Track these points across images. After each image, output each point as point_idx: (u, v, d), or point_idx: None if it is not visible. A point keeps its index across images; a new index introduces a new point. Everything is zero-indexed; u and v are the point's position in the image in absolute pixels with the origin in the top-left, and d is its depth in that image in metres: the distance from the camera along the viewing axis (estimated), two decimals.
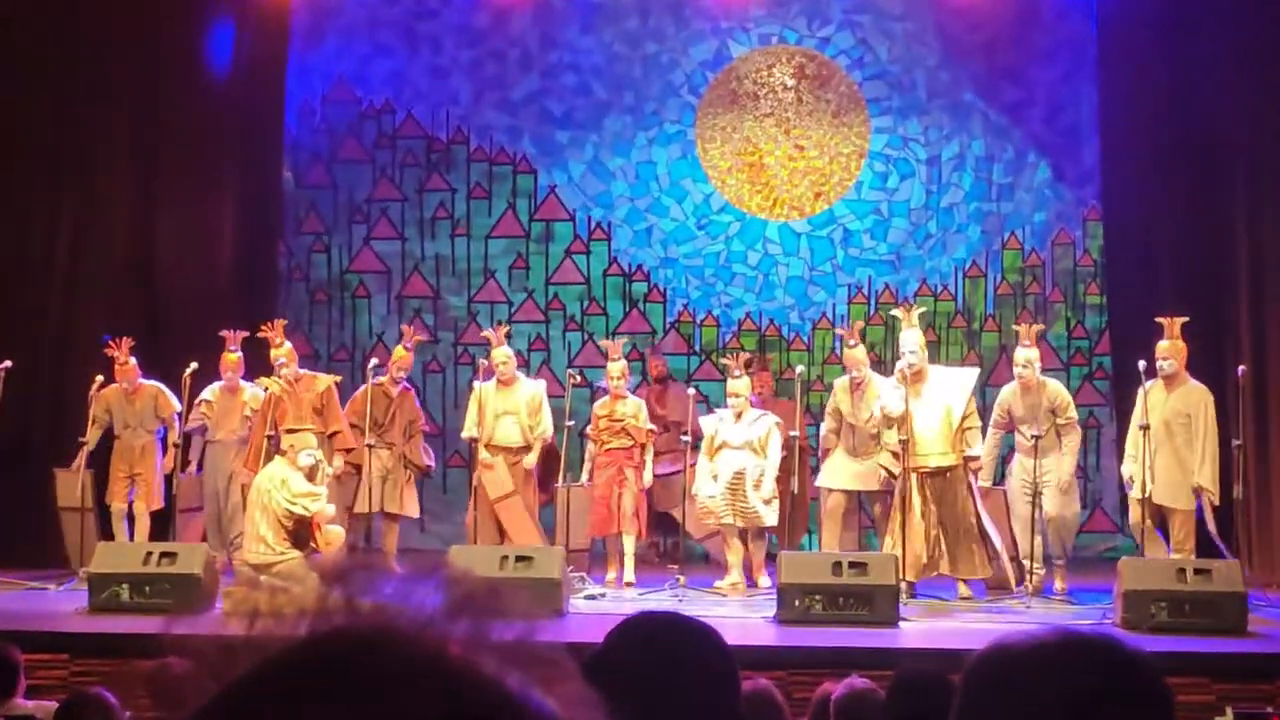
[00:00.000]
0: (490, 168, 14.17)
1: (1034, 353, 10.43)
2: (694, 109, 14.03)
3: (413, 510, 11.40)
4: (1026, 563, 10.14)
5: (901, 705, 4.42)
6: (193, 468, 11.56)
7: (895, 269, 13.82)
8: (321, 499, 10.21)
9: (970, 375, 10.69)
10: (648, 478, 10.96)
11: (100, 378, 11.33)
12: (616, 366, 11.04)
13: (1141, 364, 10.22)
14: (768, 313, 13.94)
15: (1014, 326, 11.34)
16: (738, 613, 9.71)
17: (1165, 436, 10.06)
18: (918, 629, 9.08)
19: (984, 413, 10.68)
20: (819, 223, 13.92)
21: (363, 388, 11.30)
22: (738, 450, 10.59)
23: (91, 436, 11.26)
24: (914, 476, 10.12)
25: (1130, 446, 10.37)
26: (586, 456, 11.34)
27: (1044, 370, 10.70)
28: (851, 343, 10.81)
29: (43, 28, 12.63)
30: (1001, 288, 13.74)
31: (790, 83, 13.97)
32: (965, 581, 10.20)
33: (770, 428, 10.67)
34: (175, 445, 11.18)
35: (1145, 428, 10.04)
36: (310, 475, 10.27)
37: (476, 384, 11.32)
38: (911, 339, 10.35)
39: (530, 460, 11.09)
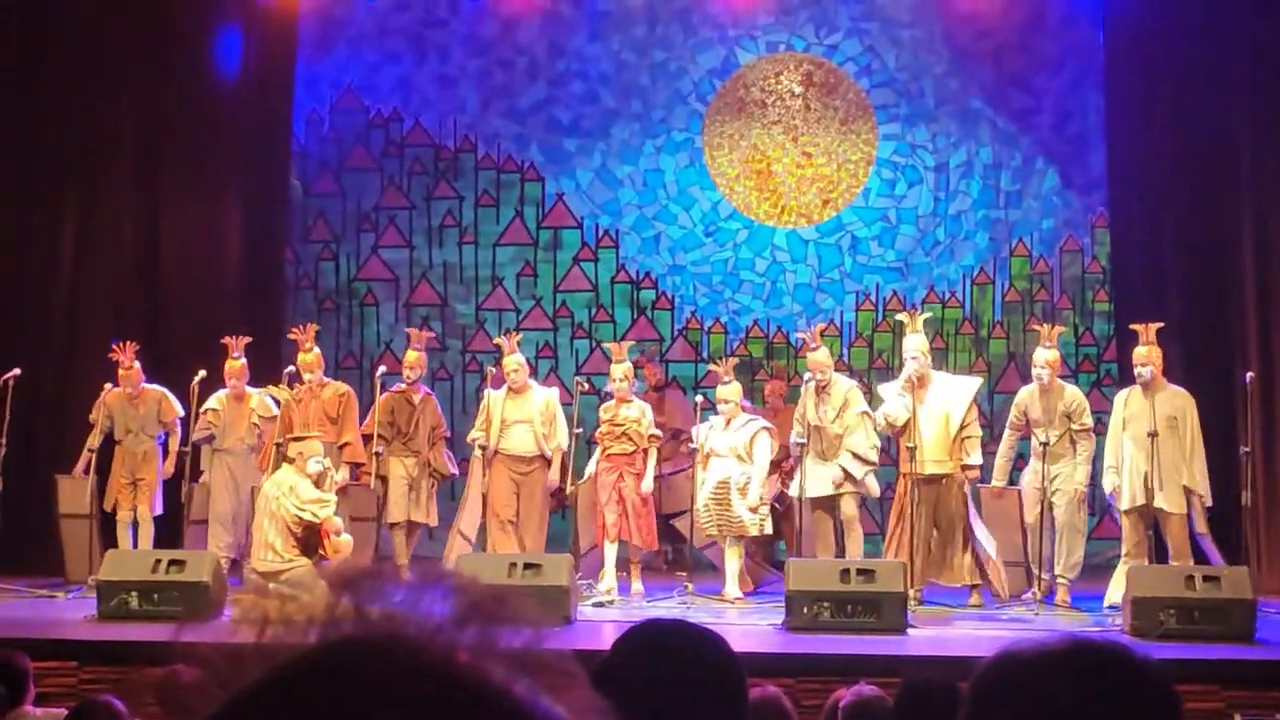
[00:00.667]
0: (498, 176, 14.19)
1: (1054, 354, 10.42)
2: (702, 117, 14.04)
3: (433, 519, 11.27)
4: (1035, 569, 10.12)
5: (910, 713, 4.42)
6: (205, 477, 11.36)
7: (903, 276, 13.82)
8: (330, 506, 10.19)
9: (972, 384, 10.63)
10: (647, 484, 10.78)
11: (109, 385, 11.32)
12: (619, 369, 10.89)
13: (1151, 370, 10.19)
14: (775, 320, 13.94)
15: (1034, 328, 11.30)
16: (746, 619, 9.69)
17: (1153, 441, 10.03)
18: (926, 636, 9.06)
19: (991, 421, 10.66)
20: (827, 230, 13.92)
21: (385, 396, 11.17)
22: (723, 458, 10.48)
23: (92, 441, 11.24)
24: (908, 483, 10.12)
25: (1110, 457, 10.28)
26: (591, 460, 11.27)
27: (1057, 378, 10.67)
28: (813, 345, 10.70)
29: (50, 35, 12.66)
30: (1010, 295, 13.74)
31: (798, 90, 13.98)
32: (976, 588, 10.18)
33: (756, 432, 10.53)
34: (183, 452, 11.07)
35: (1154, 434, 10.01)
36: (319, 482, 10.26)
37: (488, 392, 11.25)
38: (914, 344, 10.34)
39: (553, 477, 10.88)
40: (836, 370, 11.07)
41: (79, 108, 12.60)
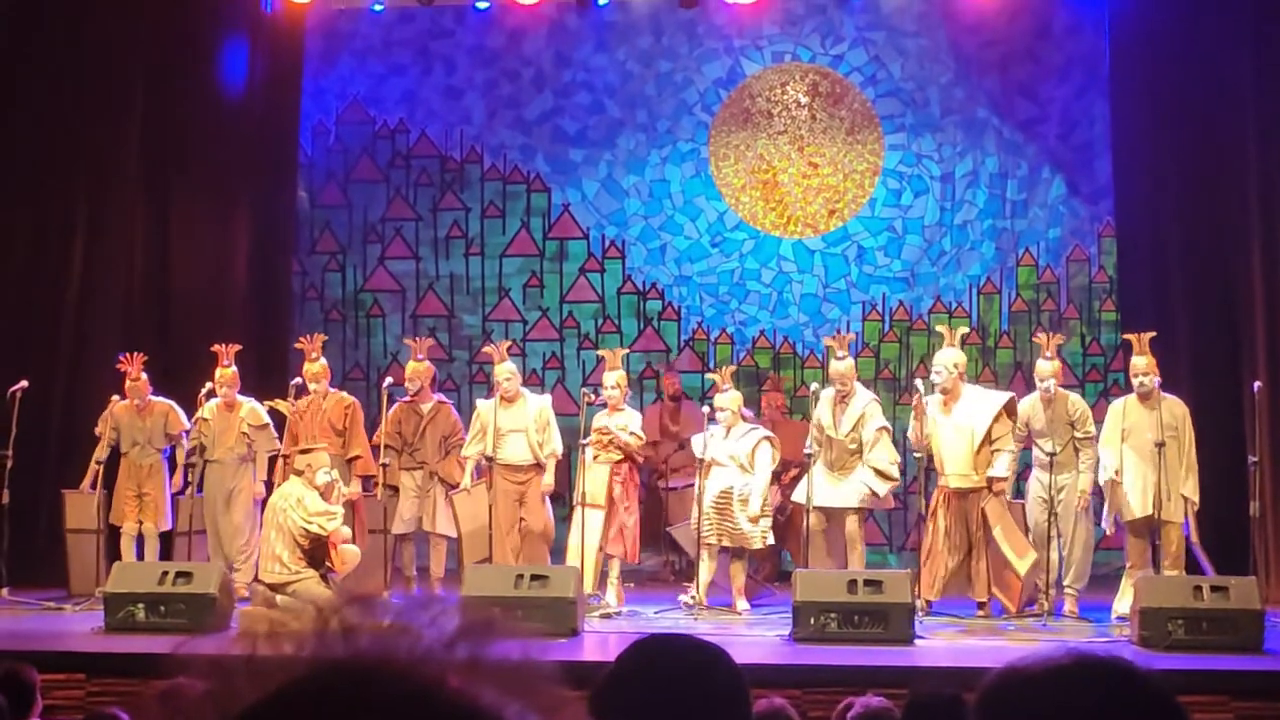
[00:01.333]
0: (504, 186, 14.20)
1: (1055, 364, 10.43)
2: (707, 127, 14.04)
3: (446, 528, 11.05)
4: (1040, 581, 10.10)
5: None
6: (192, 489, 11.11)
7: (909, 286, 13.80)
8: (338, 518, 10.19)
9: (1000, 398, 10.54)
10: (547, 480, 10.65)
11: (115, 397, 11.32)
12: (611, 376, 10.74)
13: (1153, 380, 10.18)
14: (782, 330, 13.94)
15: (1033, 339, 11.28)
16: (753, 630, 9.67)
17: (1160, 451, 9.99)
18: (933, 647, 9.05)
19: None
20: (833, 240, 13.92)
21: (394, 408, 11.13)
22: (724, 467, 10.41)
23: (99, 454, 11.19)
24: (940, 495, 10.15)
25: (1108, 470, 10.18)
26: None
27: (1059, 386, 10.66)
28: (840, 354, 10.65)
29: (57, 48, 12.68)
30: (1016, 304, 13.72)
31: (804, 100, 13.98)
32: (984, 604, 10.17)
33: (757, 441, 10.47)
34: (191, 465, 11.00)
35: (1161, 445, 9.98)
36: (326, 494, 10.26)
37: (479, 403, 11.19)
38: (943, 358, 10.31)
39: (547, 482, 10.79)
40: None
41: (86, 121, 12.62)
